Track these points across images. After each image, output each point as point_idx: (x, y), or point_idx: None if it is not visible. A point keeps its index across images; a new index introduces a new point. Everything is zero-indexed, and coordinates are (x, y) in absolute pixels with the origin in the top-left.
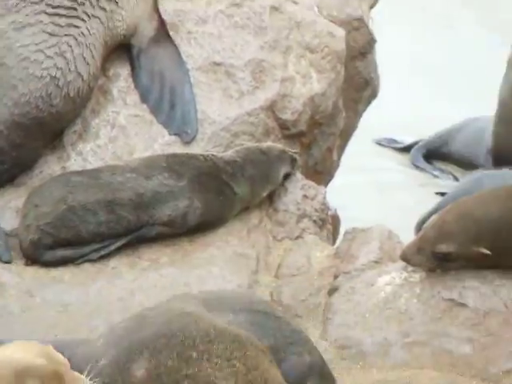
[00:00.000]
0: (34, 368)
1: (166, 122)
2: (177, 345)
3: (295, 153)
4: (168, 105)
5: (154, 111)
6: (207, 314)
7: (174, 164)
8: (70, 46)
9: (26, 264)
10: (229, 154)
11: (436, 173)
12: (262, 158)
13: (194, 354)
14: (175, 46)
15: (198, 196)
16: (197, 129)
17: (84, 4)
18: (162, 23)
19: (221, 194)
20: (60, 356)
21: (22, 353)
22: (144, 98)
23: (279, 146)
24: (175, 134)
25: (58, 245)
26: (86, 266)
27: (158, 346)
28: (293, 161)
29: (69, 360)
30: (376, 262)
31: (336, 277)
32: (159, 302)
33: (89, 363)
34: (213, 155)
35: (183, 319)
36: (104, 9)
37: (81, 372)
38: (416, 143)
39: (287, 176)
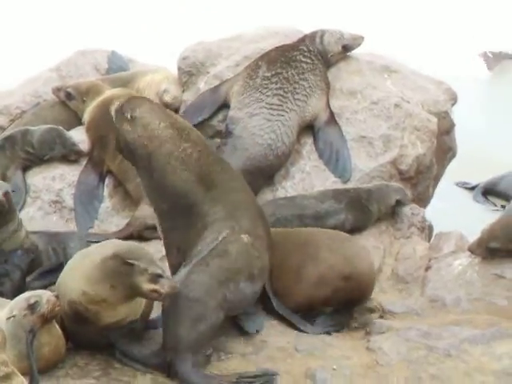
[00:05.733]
0: None
1: (333, 170)
2: None
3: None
4: (335, 160)
5: (327, 164)
6: None
7: (337, 194)
8: (279, 127)
9: None
10: (368, 186)
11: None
12: (386, 190)
13: None
14: (339, 126)
15: (350, 212)
16: (351, 174)
17: (287, 103)
18: (331, 113)
19: (362, 210)
20: None
21: None
22: (321, 156)
23: (398, 184)
24: (338, 177)
25: None
26: None
27: None
28: (405, 194)
29: None
30: (453, 252)
31: (429, 260)
32: None
33: None
34: (358, 188)
35: None
36: (299, 105)
37: None
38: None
39: (402, 203)
